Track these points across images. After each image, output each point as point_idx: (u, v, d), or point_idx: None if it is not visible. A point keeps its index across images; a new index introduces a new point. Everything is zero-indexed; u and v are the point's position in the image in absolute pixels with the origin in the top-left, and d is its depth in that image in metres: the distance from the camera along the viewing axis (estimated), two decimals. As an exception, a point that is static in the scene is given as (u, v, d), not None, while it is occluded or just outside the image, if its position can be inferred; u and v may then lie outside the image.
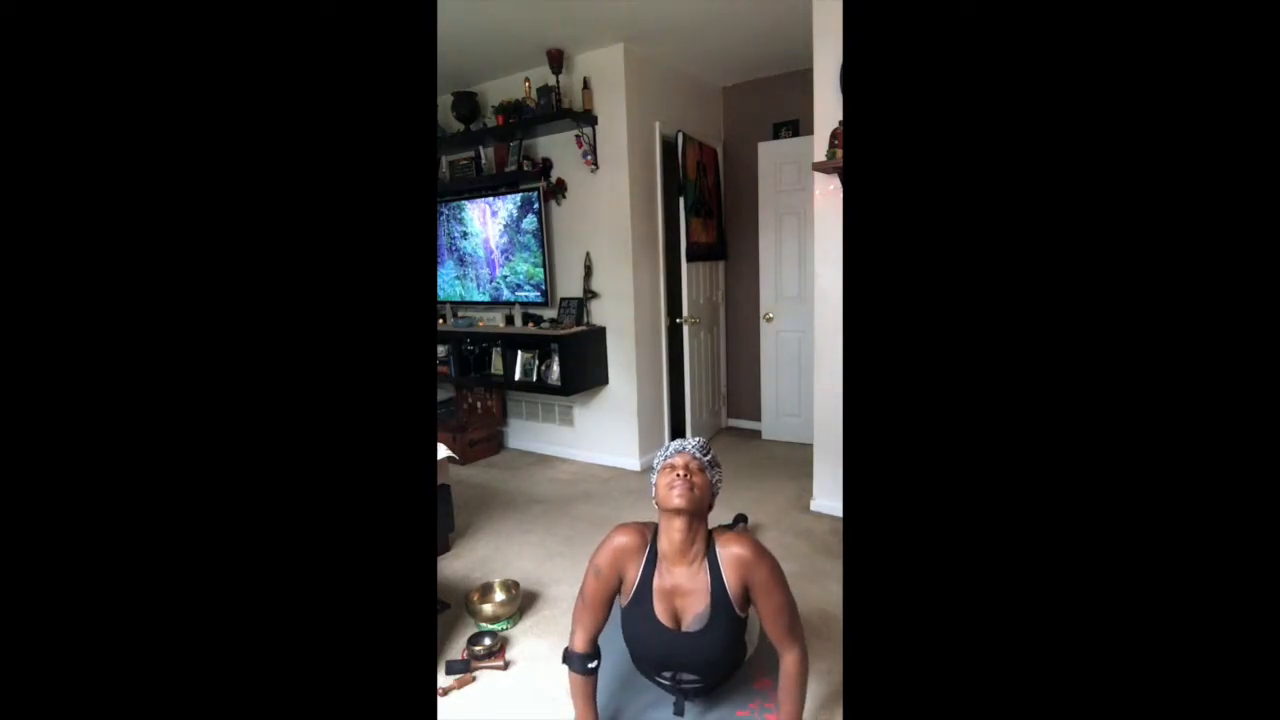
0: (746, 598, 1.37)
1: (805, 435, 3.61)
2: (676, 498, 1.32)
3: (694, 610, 1.37)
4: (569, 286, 3.76)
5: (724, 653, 1.40)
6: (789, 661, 1.36)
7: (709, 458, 1.42)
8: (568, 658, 1.45)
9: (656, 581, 1.39)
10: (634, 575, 1.40)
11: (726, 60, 3.72)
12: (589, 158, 3.47)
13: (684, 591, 1.37)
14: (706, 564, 1.36)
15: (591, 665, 1.43)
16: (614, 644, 1.54)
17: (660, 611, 1.38)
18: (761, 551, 1.36)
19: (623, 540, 1.41)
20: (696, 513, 1.35)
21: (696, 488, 1.34)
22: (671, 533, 1.35)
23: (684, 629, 1.38)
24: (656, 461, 1.44)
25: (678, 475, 1.34)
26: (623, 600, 1.44)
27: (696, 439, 1.45)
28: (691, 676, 1.43)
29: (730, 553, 1.35)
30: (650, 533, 1.42)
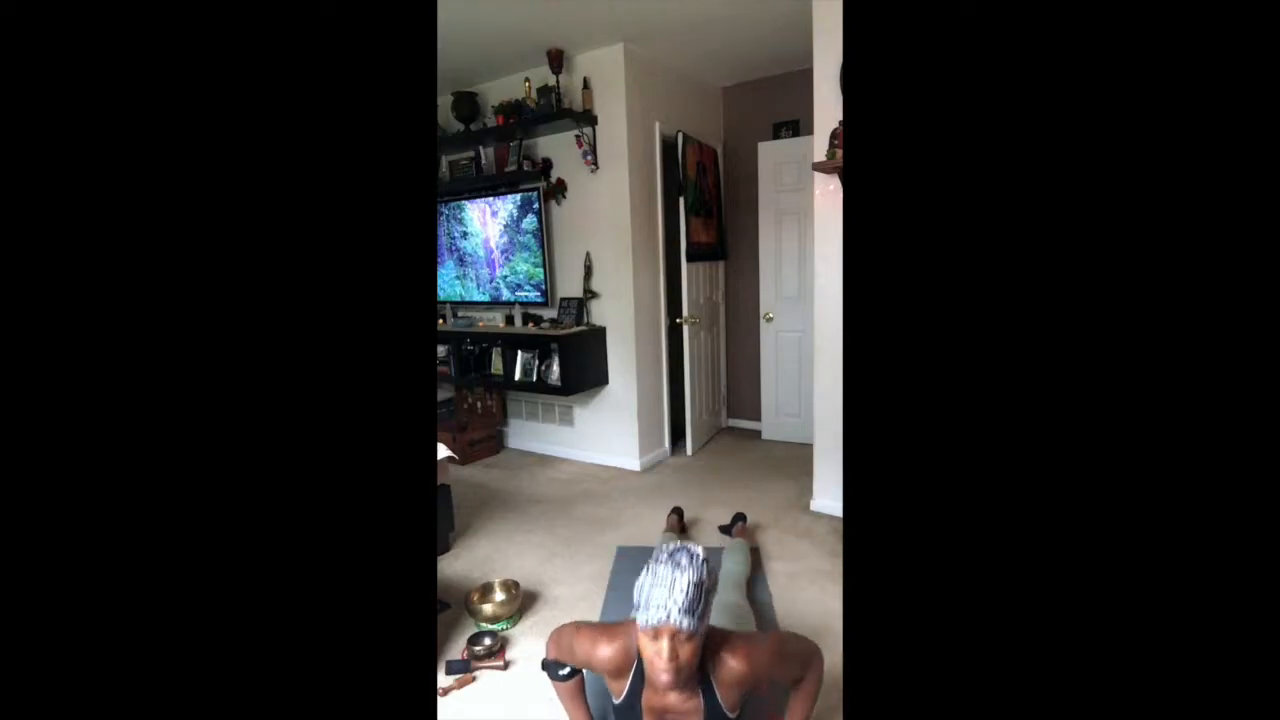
0: (741, 699, 1.34)
1: (805, 435, 3.61)
2: (663, 674, 1.20)
3: None
4: (569, 286, 3.76)
5: None
6: (810, 679, 1.38)
7: (697, 614, 1.18)
8: (546, 665, 1.45)
9: (645, 700, 1.34)
10: (621, 687, 1.36)
11: (726, 60, 3.72)
12: (589, 158, 3.47)
13: (677, 712, 1.33)
14: (700, 688, 1.30)
15: (563, 672, 1.44)
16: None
17: None
18: (759, 658, 1.30)
19: (606, 654, 1.34)
20: (688, 679, 1.27)
21: (684, 661, 1.21)
22: (658, 678, 1.24)
23: None
24: (636, 601, 1.21)
25: (659, 652, 1.18)
26: (614, 699, 1.40)
27: (682, 592, 1.16)
28: None
29: (728, 671, 1.29)
30: (635, 651, 1.33)
